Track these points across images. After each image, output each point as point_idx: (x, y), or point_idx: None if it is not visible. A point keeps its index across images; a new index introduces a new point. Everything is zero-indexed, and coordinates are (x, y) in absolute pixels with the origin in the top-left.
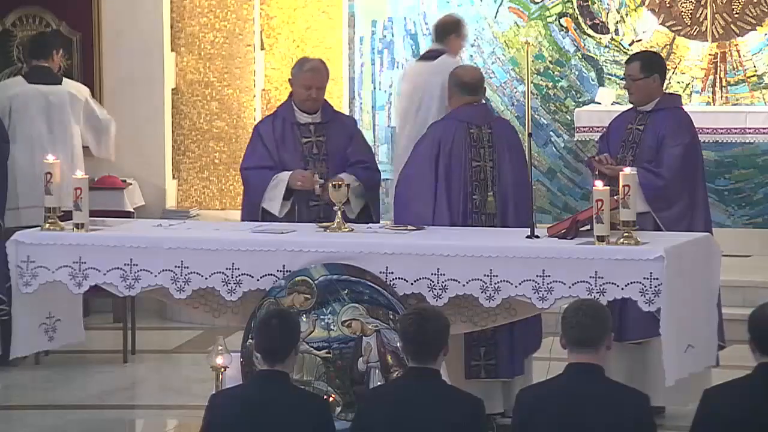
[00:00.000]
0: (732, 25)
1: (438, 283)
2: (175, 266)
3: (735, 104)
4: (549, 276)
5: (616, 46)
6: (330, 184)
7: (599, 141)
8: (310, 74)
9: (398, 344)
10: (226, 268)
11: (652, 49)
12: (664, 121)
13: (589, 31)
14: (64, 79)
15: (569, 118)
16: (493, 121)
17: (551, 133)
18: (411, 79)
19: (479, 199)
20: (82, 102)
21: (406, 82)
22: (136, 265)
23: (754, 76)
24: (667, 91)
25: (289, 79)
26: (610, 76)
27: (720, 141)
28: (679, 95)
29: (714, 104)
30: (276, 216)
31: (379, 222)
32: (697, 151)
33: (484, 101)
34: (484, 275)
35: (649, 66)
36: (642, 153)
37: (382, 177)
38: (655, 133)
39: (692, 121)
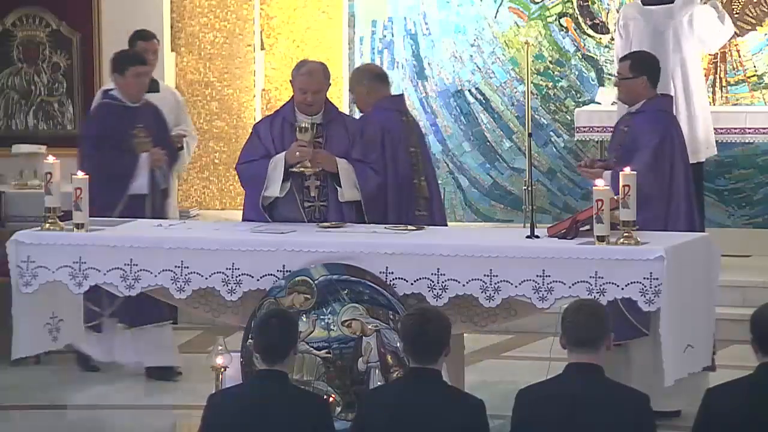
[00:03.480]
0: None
1: (438, 283)
2: (175, 266)
3: (735, 104)
4: (549, 276)
5: None
6: (297, 126)
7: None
8: (305, 78)
9: (398, 344)
10: (226, 268)
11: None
12: (642, 122)
13: (589, 31)
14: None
15: (569, 118)
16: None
17: (551, 133)
18: (649, 23)
19: (417, 184)
20: None
21: (642, 25)
22: (136, 265)
23: (754, 76)
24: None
25: (291, 80)
26: (610, 76)
27: (720, 141)
28: (669, 97)
29: (714, 104)
30: (277, 198)
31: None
32: (672, 151)
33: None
34: (484, 275)
35: (638, 66)
36: (622, 155)
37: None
38: (634, 135)
39: (671, 121)
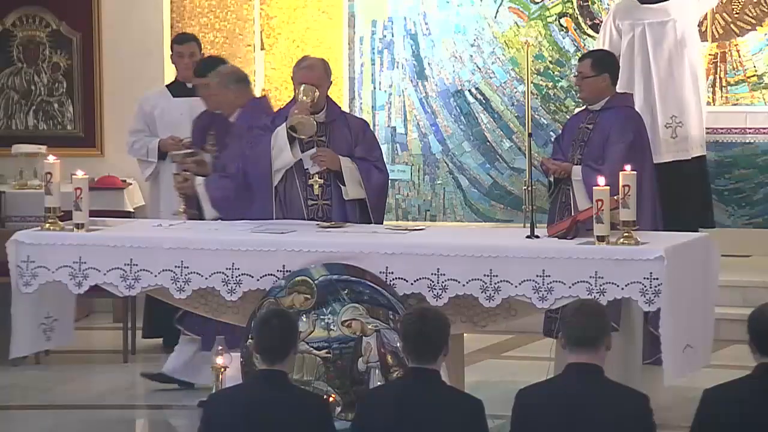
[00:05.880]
0: (732, 25)
1: (438, 283)
2: (175, 266)
3: (735, 104)
4: (549, 276)
5: None
6: (301, 88)
7: (554, 142)
8: (305, 72)
9: (398, 344)
10: (226, 268)
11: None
12: (611, 119)
13: (589, 31)
14: None
15: (569, 118)
16: None
17: (551, 133)
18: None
19: None
20: None
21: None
22: (136, 265)
23: (754, 76)
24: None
25: (291, 76)
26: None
27: (720, 141)
28: (630, 94)
29: (714, 104)
30: (279, 195)
31: (381, 223)
32: (642, 149)
33: None
34: (484, 275)
35: (600, 65)
36: (590, 151)
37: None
38: (603, 132)
39: (641, 119)
